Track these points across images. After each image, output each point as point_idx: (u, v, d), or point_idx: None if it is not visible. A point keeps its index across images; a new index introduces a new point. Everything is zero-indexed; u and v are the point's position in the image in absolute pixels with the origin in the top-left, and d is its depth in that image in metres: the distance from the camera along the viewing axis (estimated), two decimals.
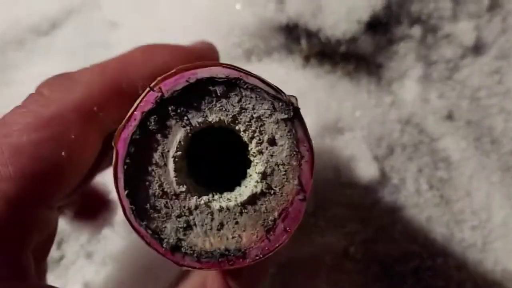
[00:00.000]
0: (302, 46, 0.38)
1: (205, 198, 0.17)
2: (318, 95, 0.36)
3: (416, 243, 0.33)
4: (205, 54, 0.24)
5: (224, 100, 0.17)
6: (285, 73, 0.37)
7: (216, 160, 0.21)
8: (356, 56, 0.37)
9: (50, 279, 0.32)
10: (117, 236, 0.32)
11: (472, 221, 0.33)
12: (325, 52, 0.38)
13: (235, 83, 0.17)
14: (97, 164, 0.21)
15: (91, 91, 0.19)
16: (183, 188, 0.17)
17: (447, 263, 0.33)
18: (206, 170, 0.19)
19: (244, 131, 0.17)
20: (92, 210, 0.31)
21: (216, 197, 0.17)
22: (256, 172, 0.17)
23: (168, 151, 0.17)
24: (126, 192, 0.16)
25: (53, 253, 0.33)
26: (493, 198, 0.34)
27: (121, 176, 0.16)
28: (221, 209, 0.17)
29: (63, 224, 0.34)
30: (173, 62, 0.20)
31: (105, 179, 0.30)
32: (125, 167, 0.16)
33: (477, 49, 0.38)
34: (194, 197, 0.17)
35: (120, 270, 0.31)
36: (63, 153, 0.18)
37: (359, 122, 0.35)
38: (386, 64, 0.37)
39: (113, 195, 0.32)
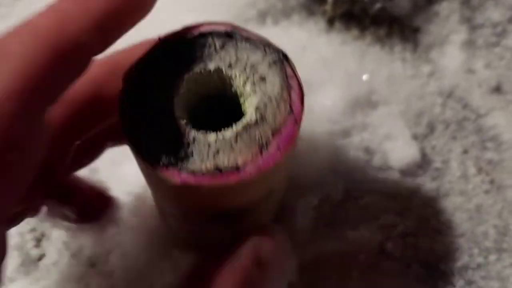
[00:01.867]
0: (326, 6, 0.32)
1: (202, 131, 0.18)
2: (346, 64, 0.30)
3: (463, 237, 0.28)
4: None
5: (222, 52, 0.19)
6: (306, 38, 0.31)
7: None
8: (389, 18, 0.32)
9: (27, 281, 0.27)
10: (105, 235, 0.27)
11: None
12: (352, 13, 0.32)
13: (232, 36, 0.19)
14: (55, 154, 0.19)
15: (25, 66, 0.15)
16: (183, 121, 0.18)
17: (502, 261, 0.28)
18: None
19: (239, 75, 0.19)
20: (93, 210, 0.27)
21: (213, 132, 0.18)
22: (251, 107, 0.18)
23: (173, 88, 0.18)
24: (130, 113, 0.18)
25: (31, 251, 0.27)
26: None
27: (127, 106, 0.18)
28: (217, 139, 0.18)
29: (42, 218, 0.28)
30: (116, 4, 0.17)
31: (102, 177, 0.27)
32: (132, 98, 0.18)
33: None
34: (193, 130, 0.18)
35: (108, 271, 0.26)
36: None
37: (395, 95, 0.30)
38: (424, 28, 0.32)
39: (113, 192, 0.27)
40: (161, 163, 0.17)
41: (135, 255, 0.27)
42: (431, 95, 0.31)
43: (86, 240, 0.27)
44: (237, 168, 0.17)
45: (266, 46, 0.19)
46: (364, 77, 0.30)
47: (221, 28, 0.19)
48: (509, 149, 0.30)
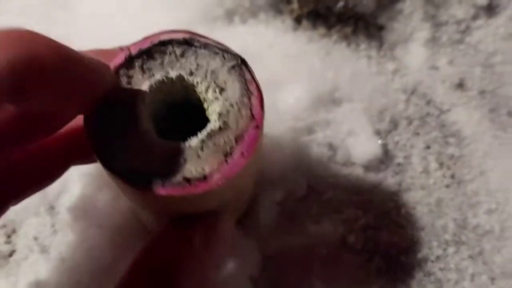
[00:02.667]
0: (293, 5, 0.33)
1: (170, 141, 0.19)
2: (311, 62, 0.31)
3: (424, 230, 0.29)
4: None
5: (183, 60, 0.20)
6: (272, 37, 0.32)
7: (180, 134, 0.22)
8: (355, 17, 0.33)
9: None
10: (75, 231, 0.27)
11: (488, 204, 0.29)
12: (319, 12, 0.33)
13: (191, 43, 0.20)
14: None
15: None
16: (152, 133, 0.19)
17: (460, 253, 0.28)
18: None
19: (201, 82, 0.20)
20: None
21: (180, 141, 0.19)
22: (214, 114, 0.19)
23: (137, 100, 0.19)
24: (99, 135, 0.18)
25: (2, 247, 0.28)
26: (511, 178, 0.30)
27: (95, 123, 0.18)
28: (184, 148, 0.18)
29: (13, 214, 0.29)
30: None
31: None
32: (98, 116, 0.19)
33: (491, 8, 0.33)
34: (161, 141, 0.19)
35: (78, 267, 0.26)
36: None
37: (359, 92, 0.31)
38: (389, 26, 0.32)
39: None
40: (132, 178, 0.18)
41: (103, 250, 0.28)
42: (395, 91, 0.31)
43: (55, 236, 0.28)
44: (204, 178, 0.18)
45: (224, 52, 0.20)
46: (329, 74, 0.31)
47: (180, 36, 0.20)
48: (470, 144, 0.31)
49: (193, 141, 0.19)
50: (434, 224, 0.29)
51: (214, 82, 0.20)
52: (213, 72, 0.20)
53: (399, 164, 0.30)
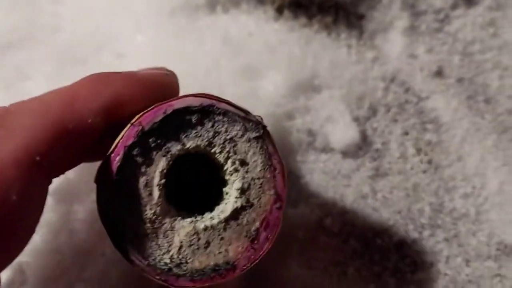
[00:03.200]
0: None
1: (189, 220, 0.18)
2: (292, 50, 0.32)
3: (400, 214, 0.29)
4: (163, 83, 0.21)
5: (199, 127, 0.18)
6: (253, 26, 0.32)
7: (190, 184, 0.22)
8: (335, 6, 0.33)
9: None
10: (57, 213, 0.28)
11: (464, 189, 0.30)
12: (300, 2, 0.33)
13: (208, 110, 0.18)
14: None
15: (33, 139, 0.16)
16: (168, 214, 0.18)
17: (435, 236, 0.29)
18: (181, 194, 0.20)
19: (220, 152, 0.18)
20: None
21: (198, 217, 0.18)
22: (234, 189, 0.18)
23: (152, 179, 0.18)
24: (115, 223, 0.17)
25: None
26: (488, 163, 0.30)
27: (109, 208, 0.17)
28: (205, 228, 0.18)
29: None
30: (126, 91, 0.18)
31: None
32: (112, 196, 0.17)
33: None
34: (181, 221, 0.18)
35: (60, 249, 0.27)
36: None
37: (338, 79, 0.31)
38: (369, 15, 0.33)
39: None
40: (155, 268, 0.17)
41: (85, 232, 0.28)
42: (374, 79, 0.32)
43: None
44: (233, 267, 0.18)
45: (245, 120, 0.18)
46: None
47: (197, 103, 0.18)
48: (448, 130, 0.31)
49: (215, 220, 0.18)
50: (411, 208, 0.29)
51: (234, 153, 0.18)
52: (232, 140, 0.18)
53: (377, 150, 0.30)
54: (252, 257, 0.18)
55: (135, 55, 0.31)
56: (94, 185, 0.29)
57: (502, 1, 0.34)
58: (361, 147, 0.30)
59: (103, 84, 0.18)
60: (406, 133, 0.31)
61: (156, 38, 0.31)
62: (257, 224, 0.18)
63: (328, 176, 0.30)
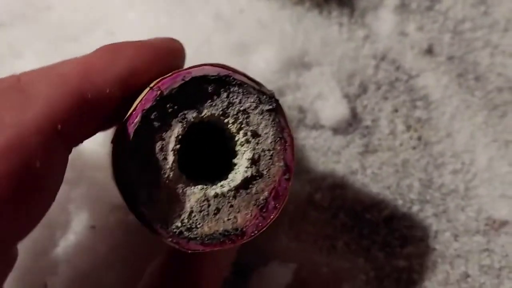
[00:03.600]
0: None
1: (199, 187, 0.18)
2: (283, 27, 0.32)
3: (389, 189, 0.29)
4: (173, 49, 0.22)
5: (215, 97, 0.18)
6: (245, 2, 0.32)
7: (199, 154, 0.22)
8: None
9: None
10: None
11: (453, 165, 0.30)
12: None
13: (225, 80, 0.18)
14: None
15: (53, 108, 0.16)
16: (180, 180, 0.18)
17: (424, 211, 0.29)
18: (191, 163, 0.20)
19: (233, 123, 0.19)
20: None
21: (209, 185, 0.18)
22: (245, 159, 0.18)
23: (168, 144, 0.18)
24: (129, 185, 0.18)
25: None
26: (477, 139, 0.30)
27: (123, 170, 0.18)
28: (216, 196, 0.18)
29: None
30: (139, 59, 0.19)
31: None
32: (127, 159, 0.18)
33: None
34: (192, 187, 0.18)
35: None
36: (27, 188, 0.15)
37: (329, 57, 0.31)
38: None
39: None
40: (167, 231, 0.18)
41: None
42: (364, 57, 0.32)
43: None
44: (242, 232, 0.18)
45: (260, 92, 0.19)
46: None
47: (214, 72, 0.18)
48: (437, 107, 0.31)
49: (225, 188, 0.18)
50: (400, 183, 0.30)
51: (247, 124, 0.19)
52: (245, 111, 0.19)
53: (367, 126, 0.31)
54: (260, 224, 0.18)
55: (126, 33, 0.31)
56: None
57: None
58: (351, 123, 0.31)
59: (117, 55, 0.18)
60: (396, 110, 0.31)
61: (147, 15, 0.31)
62: (266, 193, 0.18)
63: (318, 153, 0.30)
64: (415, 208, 0.29)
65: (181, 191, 0.18)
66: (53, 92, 0.16)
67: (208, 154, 0.22)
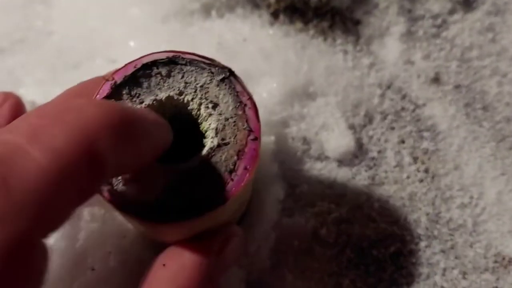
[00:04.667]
0: (270, 0, 0.33)
1: (170, 166, 0.18)
2: (287, 56, 0.31)
3: (396, 224, 0.29)
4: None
5: (170, 79, 0.19)
6: (248, 31, 0.32)
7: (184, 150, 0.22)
8: (332, 11, 0.33)
9: None
10: None
11: (461, 198, 0.29)
12: (296, 7, 0.33)
13: (175, 61, 0.20)
14: None
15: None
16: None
17: (432, 247, 0.28)
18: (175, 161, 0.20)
19: (192, 99, 0.19)
20: None
21: (180, 163, 0.19)
22: (210, 129, 0.19)
23: None
24: None
25: None
26: (486, 172, 0.30)
27: None
28: (187, 170, 0.18)
29: None
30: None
31: None
32: None
33: (469, 3, 0.33)
34: (160, 167, 0.18)
35: None
36: None
37: (333, 86, 0.31)
38: (365, 20, 0.32)
39: None
40: (143, 211, 0.18)
41: None
42: (370, 86, 0.31)
43: None
44: (217, 200, 0.18)
45: (211, 65, 0.20)
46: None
47: (163, 56, 0.20)
48: (445, 138, 0.31)
49: (194, 162, 0.19)
50: (407, 218, 0.29)
51: (206, 98, 0.19)
52: (202, 87, 0.19)
53: (373, 158, 0.30)
54: (234, 188, 0.18)
55: (126, 61, 0.31)
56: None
57: (501, 6, 0.33)
58: (357, 155, 0.30)
59: None
60: (403, 141, 0.30)
61: (149, 44, 0.31)
62: (234, 157, 0.18)
63: (323, 185, 0.29)
64: (423, 244, 0.28)
65: (153, 173, 0.18)
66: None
67: (191, 146, 0.22)
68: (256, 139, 0.19)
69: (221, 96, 0.19)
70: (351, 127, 0.30)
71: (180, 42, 0.31)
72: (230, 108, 0.19)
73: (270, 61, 0.31)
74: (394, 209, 0.29)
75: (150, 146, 0.17)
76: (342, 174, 0.30)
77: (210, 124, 0.19)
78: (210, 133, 0.19)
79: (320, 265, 0.28)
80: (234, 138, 0.19)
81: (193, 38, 0.31)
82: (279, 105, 0.30)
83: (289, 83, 0.30)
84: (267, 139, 0.29)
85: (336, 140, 0.30)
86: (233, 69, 0.30)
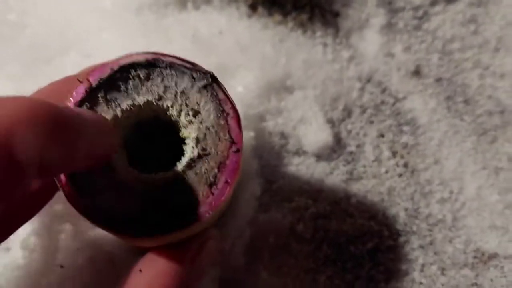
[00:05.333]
0: None
1: (147, 175, 0.18)
2: (264, 49, 0.30)
3: (374, 220, 0.28)
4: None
5: (149, 83, 0.18)
6: (224, 23, 0.31)
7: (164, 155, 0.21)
8: (311, 3, 0.32)
9: None
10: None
11: (441, 193, 0.29)
12: None
13: (154, 64, 0.18)
14: None
15: None
16: (128, 169, 0.18)
17: (410, 243, 0.28)
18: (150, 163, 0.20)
19: (172, 106, 0.18)
20: None
21: (159, 173, 0.18)
22: (190, 138, 0.18)
23: None
24: (73, 178, 0.17)
25: None
26: (466, 166, 0.29)
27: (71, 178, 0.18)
28: (165, 181, 0.18)
29: None
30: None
31: None
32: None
33: None
34: (138, 176, 0.18)
35: None
36: None
37: (312, 79, 0.30)
38: (344, 12, 0.32)
39: None
40: (118, 225, 0.17)
41: None
42: (349, 79, 0.31)
43: None
44: (195, 215, 0.17)
45: (192, 70, 0.19)
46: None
47: (142, 58, 0.19)
48: (425, 133, 0.30)
49: (173, 173, 0.18)
50: (385, 213, 0.28)
51: (186, 105, 0.18)
52: (182, 93, 0.18)
53: (351, 152, 0.29)
54: (213, 203, 0.18)
55: (100, 54, 0.30)
56: None
57: None
58: (335, 149, 0.29)
59: None
60: (382, 135, 0.30)
61: (123, 37, 0.30)
62: (216, 170, 0.18)
63: (301, 180, 0.29)
64: (401, 239, 0.28)
65: (130, 184, 0.17)
66: None
67: (171, 151, 0.21)
68: (238, 151, 0.18)
69: (202, 103, 0.18)
70: (330, 121, 0.30)
71: (154, 35, 0.30)
72: (212, 116, 0.18)
73: (247, 54, 0.30)
74: (372, 204, 0.28)
75: (86, 147, 0.16)
76: (320, 169, 0.29)
77: (190, 132, 0.18)
78: (190, 142, 0.18)
79: (296, 261, 0.27)
80: (215, 149, 0.18)
81: (168, 30, 0.30)
82: (256, 99, 0.29)
83: (266, 76, 0.30)
84: (247, 135, 0.28)
85: (314, 134, 0.29)
86: (208, 62, 0.30)
